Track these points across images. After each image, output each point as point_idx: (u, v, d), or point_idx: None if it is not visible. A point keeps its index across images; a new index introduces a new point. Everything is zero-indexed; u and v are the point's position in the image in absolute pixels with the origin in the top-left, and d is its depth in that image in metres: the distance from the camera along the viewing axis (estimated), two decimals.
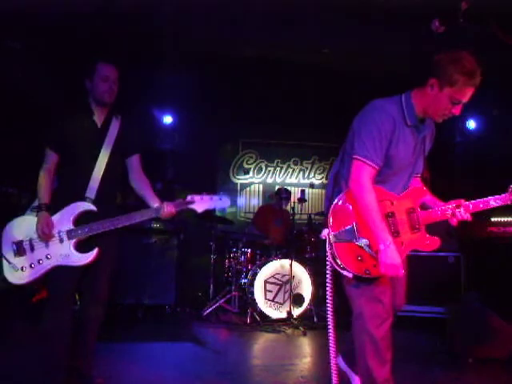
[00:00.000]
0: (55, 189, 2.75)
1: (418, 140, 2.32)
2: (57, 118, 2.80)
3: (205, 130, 6.75)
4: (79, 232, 2.62)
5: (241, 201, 7.22)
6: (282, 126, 6.85)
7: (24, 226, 2.66)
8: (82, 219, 2.65)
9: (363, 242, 2.17)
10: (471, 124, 6.53)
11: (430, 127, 2.41)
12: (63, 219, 2.64)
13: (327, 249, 2.22)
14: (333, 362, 2.48)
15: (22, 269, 2.60)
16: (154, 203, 2.73)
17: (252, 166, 7.26)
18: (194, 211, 2.70)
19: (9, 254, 2.62)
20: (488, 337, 3.62)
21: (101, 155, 2.72)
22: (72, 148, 2.71)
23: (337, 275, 2.29)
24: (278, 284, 5.14)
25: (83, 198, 2.66)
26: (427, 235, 2.31)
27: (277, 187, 6.56)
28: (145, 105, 6.27)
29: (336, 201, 2.26)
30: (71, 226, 2.63)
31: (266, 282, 5.11)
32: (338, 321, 2.41)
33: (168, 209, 2.66)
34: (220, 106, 6.32)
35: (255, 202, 7.22)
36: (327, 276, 2.29)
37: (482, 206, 2.35)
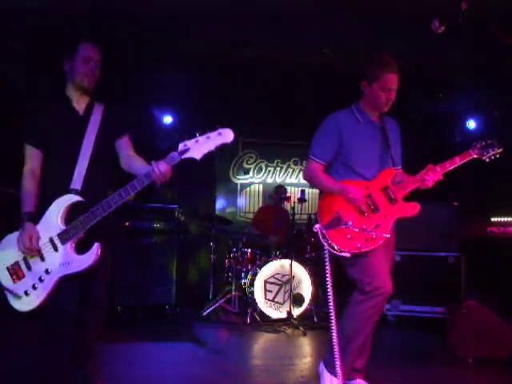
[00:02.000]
0: (39, 189, 2.50)
1: (376, 133, 2.79)
2: (32, 111, 2.56)
3: (205, 130, 6.74)
4: (72, 231, 2.32)
5: (241, 201, 7.22)
6: (282, 126, 6.85)
7: (13, 245, 2.36)
8: (72, 216, 2.35)
9: (349, 223, 2.58)
10: (471, 124, 6.53)
11: (391, 123, 2.88)
12: (50, 222, 2.34)
13: (322, 240, 2.64)
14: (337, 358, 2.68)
15: (25, 293, 2.34)
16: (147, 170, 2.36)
17: (252, 166, 7.25)
18: (192, 161, 2.32)
19: (7, 282, 2.35)
20: (488, 337, 3.62)
21: (84, 143, 2.46)
22: (52, 139, 2.46)
23: (337, 270, 2.73)
24: (278, 284, 5.14)
25: (68, 191, 2.38)
26: (406, 203, 2.69)
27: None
28: (145, 105, 6.27)
29: (321, 199, 2.81)
30: (62, 227, 2.34)
31: (265, 281, 5.11)
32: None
33: (160, 168, 2.27)
34: (220, 105, 6.31)
35: (255, 202, 7.22)
36: (326, 268, 2.66)
37: (448, 165, 2.68)
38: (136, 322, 4.97)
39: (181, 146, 2.30)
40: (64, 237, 2.35)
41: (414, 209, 2.67)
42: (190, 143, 2.29)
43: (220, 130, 2.28)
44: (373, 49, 5.06)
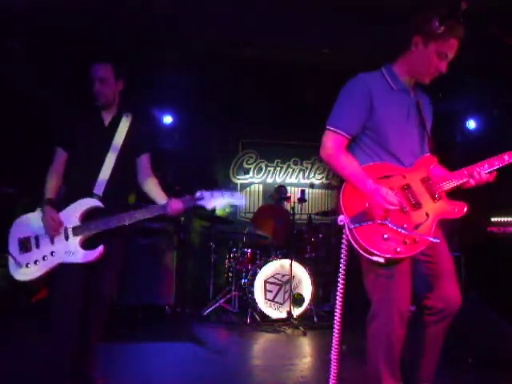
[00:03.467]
0: (64, 186, 2.74)
1: (411, 103, 2.26)
2: (66, 116, 2.80)
3: (205, 130, 6.75)
4: (85, 229, 2.58)
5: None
6: (282, 126, 6.85)
7: (31, 222, 2.64)
8: (89, 216, 2.62)
9: (387, 219, 2.01)
10: (471, 124, 6.53)
11: (425, 98, 2.36)
12: (70, 216, 2.61)
13: (349, 238, 2.05)
14: (333, 362, 2.35)
15: (26, 265, 2.58)
16: (163, 200, 2.67)
17: (252, 166, 7.25)
18: (203, 208, 2.61)
19: (15, 251, 2.61)
20: (488, 337, 3.62)
21: (109, 153, 2.68)
22: (80, 145, 2.70)
23: (350, 270, 2.14)
24: (278, 284, 5.14)
25: (91, 195, 2.63)
26: (451, 201, 2.19)
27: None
28: (145, 105, 6.27)
29: (344, 185, 2.14)
30: (78, 223, 2.60)
31: (266, 282, 5.11)
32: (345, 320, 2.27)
33: (175, 205, 2.59)
34: (220, 106, 6.32)
35: (255, 202, 7.22)
36: (341, 266, 2.11)
37: (497, 162, 2.27)
38: (136, 321, 4.97)
39: (198, 194, 2.62)
40: (77, 231, 2.60)
41: (461, 209, 2.17)
42: (205, 194, 2.60)
43: (235, 193, 2.64)
44: (373, 49, 5.10)
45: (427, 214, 2.12)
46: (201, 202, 2.58)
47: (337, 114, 2.20)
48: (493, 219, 4.90)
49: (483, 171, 2.23)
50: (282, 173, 7.32)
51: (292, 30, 4.86)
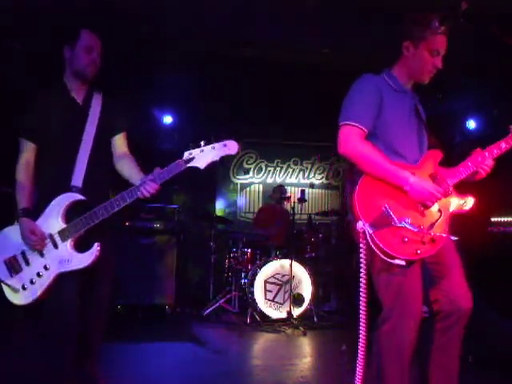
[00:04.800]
0: (38, 185, 2.45)
1: (411, 104, 2.31)
2: (30, 103, 2.47)
3: (205, 130, 6.74)
4: (72, 229, 2.30)
5: (241, 201, 7.22)
6: (282, 126, 6.85)
7: (11, 238, 2.35)
8: (73, 213, 2.32)
9: (406, 221, 1.99)
10: (471, 124, 6.53)
11: (416, 98, 2.41)
12: (51, 219, 2.30)
13: (363, 243, 2.02)
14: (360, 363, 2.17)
15: (22, 288, 2.32)
16: (137, 179, 2.35)
17: (252, 166, 7.25)
18: (196, 169, 2.31)
19: (4, 276, 2.34)
20: (488, 336, 3.62)
21: (85, 135, 2.39)
22: (51, 132, 2.39)
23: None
24: (278, 284, 5.14)
25: (69, 189, 2.33)
26: (461, 195, 2.23)
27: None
28: (145, 105, 6.27)
29: (356, 190, 2.06)
30: (62, 225, 2.31)
31: (266, 282, 5.11)
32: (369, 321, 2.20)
33: (149, 186, 2.27)
34: (220, 106, 6.31)
35: (255, 202, 7.22)
36: (361, 272, 2.06)
37: (496, 150, 2.34)
38: (136, 321, 4.97)
39: (186, 155, 2.29)
40: (64, 234, 2.32)
41: (469, 202, 2.22)
42: (195, 152, 2.28)
43: (225, 142, 2.30)
44: (373, 49, 5.10)
45: (440, 211, 2.13)
46: (192, 164, 2.27)
47: (350, 110, 2.18)
48: (493, 219, 4.90)
49: (488, 160, 2.28)
50: (282, 173, 7.32)
51: (292, 30, 4.85)
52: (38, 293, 2.32)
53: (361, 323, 2.10)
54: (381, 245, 1.98)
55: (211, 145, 2.29)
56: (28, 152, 2.44)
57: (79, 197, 2.32)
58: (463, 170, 2.24)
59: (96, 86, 2.57)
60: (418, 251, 2.01)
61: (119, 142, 2.57)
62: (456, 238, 2.10)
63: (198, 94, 6.02)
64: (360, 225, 2.00)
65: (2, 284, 2.37)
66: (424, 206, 2.07)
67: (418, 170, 2.16)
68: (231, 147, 2.29)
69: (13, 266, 2.35)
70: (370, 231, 1.97)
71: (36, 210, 2.37)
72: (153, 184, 2.29)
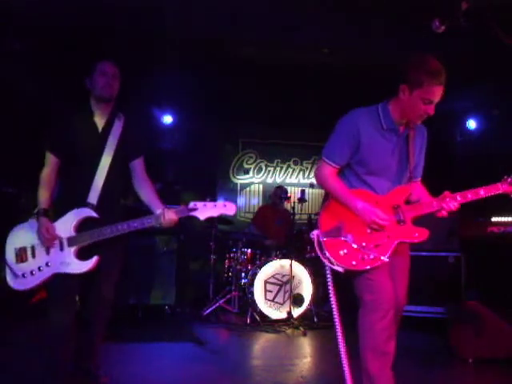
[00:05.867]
0: (57, 194, 2.72)
1: (399, 143, 2.48)
2: (57, 120, 2.74)
3: (205, 129, 6.75)
4: (80, 239, 2.58)
5: (241, 201, 7.22)
6: (282, 126, 6.86)
7: (26, 232, 2.63)
8: (84, 226, 2.60)
9: (348, 237, 2.41)
10: (471, 124, 6.53)
11: (419, 129, 2.55)
12: (64, 226, 2.60)
13: (316, 249, 2.46)
14: (344, 361, 2.52)
15: (23, 275, 2.59)
16: (157, 209, 2.63)
17: (252, 166, 7.26)
18: (196, 218, 2.59)
19: (11, 260, 2.62)
20: (488, 337, 3.62)
21: (103, 159, 2.67)
22: (72, 151, 2.66)
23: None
24: (278, 284, 5.14)
25: (85, 204, 2.61)
26: (415, 227, 2.46)
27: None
28: (145, 105, 6.27)
29: (324, 207, 2.54)
30: (72, 233, 2.59)
31: (266, 282, 5.11)
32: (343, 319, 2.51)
33: (169, 216, 2.58)
34: (220, 106, 6.32)
35: (255, 202, 7.22)
36: (327, 275, 2.48)
37: (470, 196, 2.42)
38: (136, 321, 4.97)
39: (191, 205, 2.58)
40: (72, 241, 2.59)
41: (422, 235, 2.43)
42: (199, 205, 2.58)
43: (226, 203, 2.61)
44: (373, 49, 5.10)
45: (388, 236, 2.43)
46: (194, 213, 2.57)
47: (328, 147, 2.53)
48: (493, 219, 4.90)
49: (453, 203, 2.41)
50: (282, 173, 7.32)
51: (292, 30, 4.85)
52: (34, 283, 2.59)
53: (335, 322, 2.50)
54: (326, 251, 2.42)
55: (213, 203, 2.60)
56: (51, 164, 2.70)
57: (93, 214, 2.61)
58: (425, 208, 2.47)
59: (118, 110, 2.79)
60: (354, 262, 2.39)
61: (138, 167, 2.82)
62: (386, 260, 2.38)
63: (198, 94, 6.02)
64: (314, 233, 2.47)
65: (6, 267, 2.63)
66: (371, 228, 2.41)
67: (382, 200, 2.47)
68: (229, 209, 2.60)
69: (21, 255, 2.62)
70: (321, 239, 2.44)
71: (55, 215, 2.64)
72: (174, 214, 2.60)
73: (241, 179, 7.23)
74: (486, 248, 4.89)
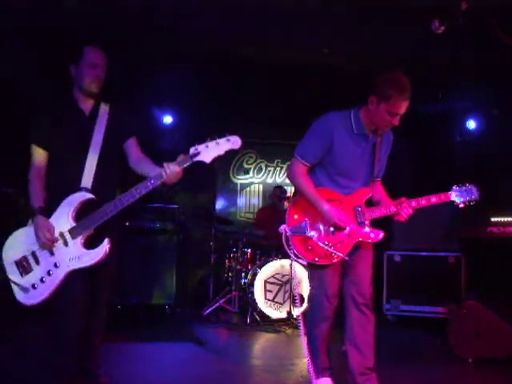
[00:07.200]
0: (48, 185, 2.56)
1: (367, 148, 2.66)
2: (41, 112, 2.63)
3: (205, 129, 6.73)
4: (81, 227, 2.39)
5: (241, 201, 7.22)
6: (282, 126, 6.85)
7: (21, 240, 2.45)
8: (82, 213, 2.43)
9: (312, 234, 2.59)
10: (471, 124, 6.53)
11: (386, 137, 2.74)
12: (61, 219, 2.41)
13: (284, 242, 2.65)
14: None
15: (33, 287, 2.39)
16: (157, 171, 2.42)
17: (252, 166, 7.25)
18: (202, 164, 2.41)
19: (14, 276, 2.41)
20: (488, 337, 3.62)
21: (92, 144, 2.53)
22: (61, 140, 2.54)
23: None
24: (278, 284, 5.14)
25: (78, 190, 2.46)
26: (371, 229, 2.68)
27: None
28: (145, 105, 6.27)
29: (292, 203, 2.76)
30: (72, 224, 2.40)
31: (266, 282, 5.11)
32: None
33: (171, 169, 2.36)
34: (220, 106, 6.31)
35: (255, 202, 7.22)
36: (292, 267, 2.87)
37: (423, 202, 2.62)
38: (136, 321, 4.97)
39: (192, 150, 2.40)
40: (74, 232, 2.40)
41: (376, 236, 2.65)
42: (200, 147, 2.40)
43: (229, 137, 2.43)
44: (373, 49, 5.10)
45: (349, 236, 2.64)
46: (198, 158, 2.38)
47: (302, 146, 2.73)
48: (493, 219, 4.90)
49: (408, 209, 2.60)
50: (282, 173, 7.32)
51: (292, 30, 4.85)
52: (48, 292, 2.38)
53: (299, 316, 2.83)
54: (293, 246, 2.64)
55: (215, 140, 2.41)
56: (39, 158, 2.56)
57: (89, 195, 2.43)
58: (384, 211, 2.66)
59: (103, 99, 2.70)
60: (316, 258, 2.62)
61: (132, 147, 2.70)
62: (346, 258, 2.59)
63: (197, 94, 6.02)
64: (282, 227, 2.66)
65: (12, 285, 2.43)
66: (334, 228, 2.62)
67: (346, 200, 2.68)
68: (234, 142, 2.42)
69: (23, 267, 2.43)
70: (288, 233, 2.63)
71: (48, 210, 2.46)
72: (176, 165, 2.39)
73: (241, 179, 7.23)
74: (485, 248, 4.89)
